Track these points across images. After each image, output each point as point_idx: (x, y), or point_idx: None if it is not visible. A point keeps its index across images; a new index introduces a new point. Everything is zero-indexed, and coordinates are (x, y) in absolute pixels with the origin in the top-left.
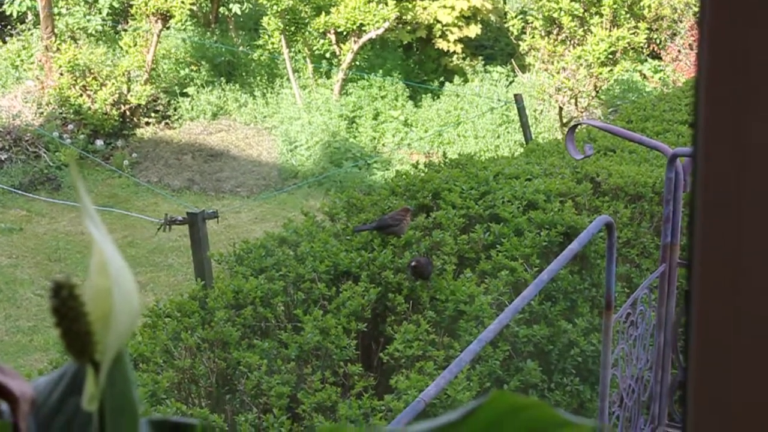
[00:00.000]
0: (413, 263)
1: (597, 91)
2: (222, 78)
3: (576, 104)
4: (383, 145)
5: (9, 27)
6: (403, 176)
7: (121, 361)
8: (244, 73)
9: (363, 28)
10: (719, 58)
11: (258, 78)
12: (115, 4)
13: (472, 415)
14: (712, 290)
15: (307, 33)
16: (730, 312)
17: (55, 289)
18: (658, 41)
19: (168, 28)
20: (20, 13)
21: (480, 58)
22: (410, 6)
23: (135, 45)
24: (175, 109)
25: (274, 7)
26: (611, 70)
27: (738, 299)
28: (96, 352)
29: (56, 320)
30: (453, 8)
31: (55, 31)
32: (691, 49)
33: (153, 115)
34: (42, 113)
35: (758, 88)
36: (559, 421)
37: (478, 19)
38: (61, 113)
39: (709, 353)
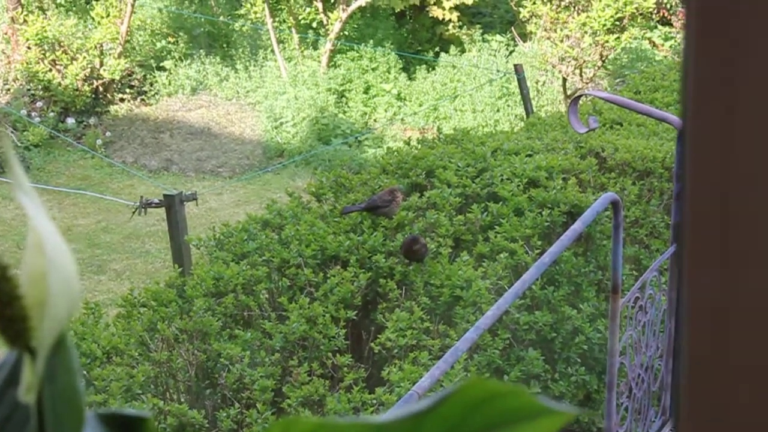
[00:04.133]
0: (411, 243)
1: (603, 61)
2: (201, 50)
3: (581, 75)
4: (375, 120)
5: None
6: (395, 153)
7: (63, 349)
8: (225, 45)
9: None
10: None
11: (240, 50)
12: None
13: (444, 402)
14: (704, 268)
15: (292, 1)
16: (725, 302)
17: None
18: (668, 6)
19: None
20: None
21: (478, 26)
22: None
23: (108, 16)
24: (152, 84)
25: None
26: (618, 37)
27: (730, 279)
28: (32, 339)
29: None
30: None
31: (22, 1)
32: None
33: (128, 90)
34: (8, 90)
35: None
36: (538, 408)
37: None
38: (29, 90)
39: (701, 340)
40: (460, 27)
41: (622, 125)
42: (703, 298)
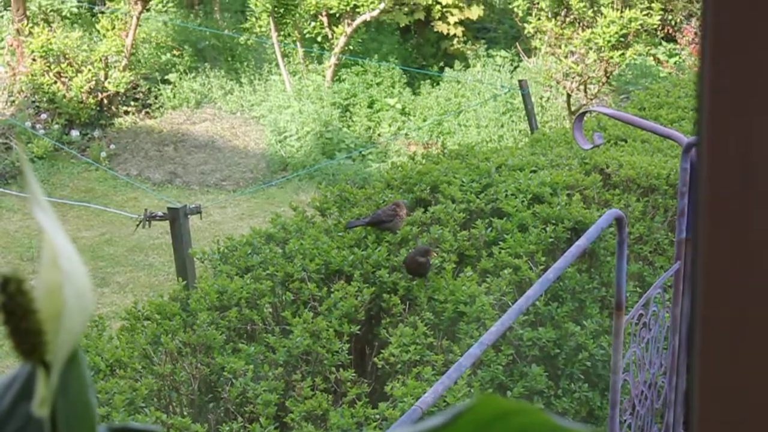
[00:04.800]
0: (419, 253)
1: (607, 77)
2: (206, 64)
3: (585, 91)
4: (379, 135)
5: None
6: (400, 168)
7: (76, 363)
8: (229, 59)
9: (357, 10)
10: (722, 45)
11: (245, 63)
12: None
13: (457, 419)
14: (718, 289)
15: (297, 15)
16: (738, 313)
17: (2, 285)
18: (673, 23)
19: (148, 10)
20: None
21: (482, 41)
22: None
23: (113, 28)
24: (156, 97)
25: None
26: (623, 54)
27: (746, 296)
28: (47, 352)
29: (3, 318)
30: None
31: (27, 13)
32: None
33: (132, 103)
34: (13, 102)
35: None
36: (552, 426)
37: None
38: (33, 102)
39: (714, 358)
40: (465, 42)
41: (626, 142)
42: (716, 315)
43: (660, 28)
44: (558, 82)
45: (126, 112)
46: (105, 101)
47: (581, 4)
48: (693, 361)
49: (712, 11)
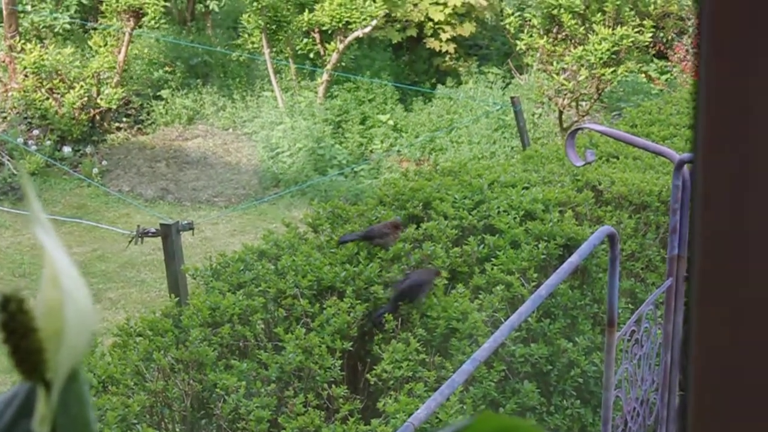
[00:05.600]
0: (409, 283)
1: (599, 94)
2: (198, 80)
3: (577, 107)
4: (371, 151)
5: None
6: (392, 184)
7: (76, 381)
8: (222, 75)
9: (349, 27)
10: (721, 59)
11: (237, 80)
12: (84, 1)
13: None
14: (713, 304)
15: (289, 31)
16: (735, 331)
17: (3, 303)
18: (664, 40)
19: (140, 27)
20: None
21: (474, 58)
22: (400, 2)
23: (105, 45)
24: (149, 114)
25: (254, 4)
26: (614, 71)
27: (742, 314)
28: (47, 371)
29: (4, 336)
30: (446, 5)
31: (20, 29)
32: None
33: (124, 119)
34: (5, 118)
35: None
36: None
37: (473, 16)
38: (25, 118)
39: (710, 375)
40: (457, 59)
41: (618, 158)
42: (711, 333)
43: (651, 45)
44: (550, 99)
45: (118, 129)
46: (97, 117)
47: (573, 22)
48: (688, 377)
49: (709, 26)
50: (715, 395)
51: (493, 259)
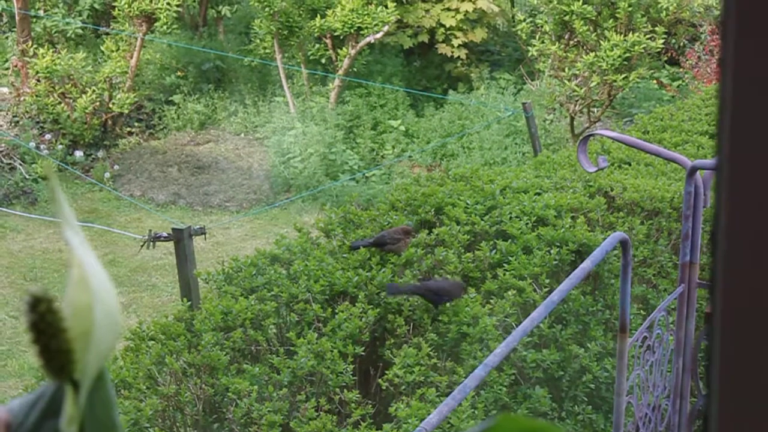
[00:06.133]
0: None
1: (611, 100)
2: (210, 85)
3: (588, 113)
4: (382, 157)
5: None
6: (404, 190)
7: (102, 381)
8: (233, 80)
9: (361, 32)
10: (746, 63)
11: (249, 85)
12: (97, 6)
13: None
14: (738, 315)
15: (301, 37)
16: (760, 339)
17: (32, 304)
18: (676, 46)
19: (153, 32)
20: None
21: (486, 64)
22: (411, 8)
23: (117, 50)
24: (160, 118)
25: (267, 10)
26: (626, 77)
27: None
28: (75, 371)
29: (33, 337)
30: (457, 11)
31: (32, 34)
32: (712, 55)
33: (136, 124)
34: (17, 122)
35: None
36: None
37: (484, 22)
38: (38, 122)
39: (735, 385)
40: (469, 65)
41: (630, 165)
42: (737, 337)
43: (663, 51)
44: (561, 105)
45: (130, 133)
46: (109, 122)
47: (585, 28)
48: (711, 381)
49: (734, 30)
50: (740, 403)
51: (505, 264)
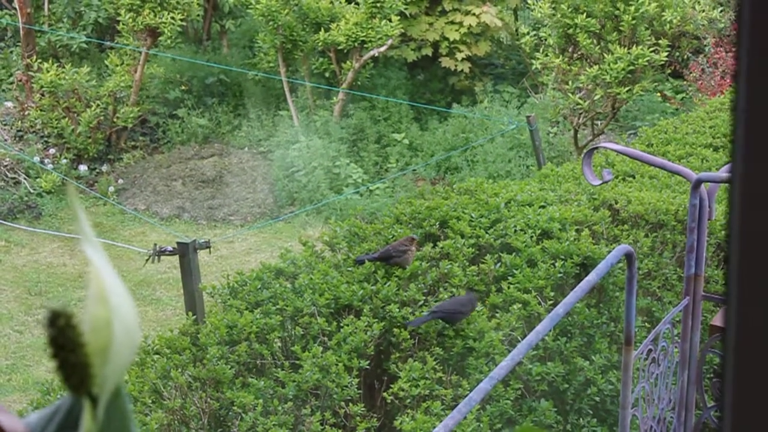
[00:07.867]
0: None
1: (615, 113)
2: (214, 99)
3: (592, 126)
4: (386, 170)
5: None
6: (408, 203)
7: (119, 396)
8: (237, 94)
9: (365, 46)
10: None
11: (253, 99)
12: (101, 21)
13: None
14: (752, 328)
15: (305, 51)
16: None
17: (52, 319)
18: (680, 59)
19: (156, 46)
20: None
21: (490, 77)
22: (415, 22)
23: (122, 64)
24: (164, 132)
25: (270, 24)
26: (630, 90)
27: None
28: (94, 385)
29: (53, 351)
30: (461, 24)
31: (37, 49)
32: (716, 68)
33: (141, 138)
34: (22, 136)
35: None
36: None
37: (488, 36)
38: (42, 136)
39: (747, 399)
40: (472, 78)
41: (634, 177)
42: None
43: (667, 64)
44: (565, 118)
45: (134, 147)
46: (113, 136)
47: (589, 41)
48: (725, 396)
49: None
50: (754, 417)
51: (510, 277)
